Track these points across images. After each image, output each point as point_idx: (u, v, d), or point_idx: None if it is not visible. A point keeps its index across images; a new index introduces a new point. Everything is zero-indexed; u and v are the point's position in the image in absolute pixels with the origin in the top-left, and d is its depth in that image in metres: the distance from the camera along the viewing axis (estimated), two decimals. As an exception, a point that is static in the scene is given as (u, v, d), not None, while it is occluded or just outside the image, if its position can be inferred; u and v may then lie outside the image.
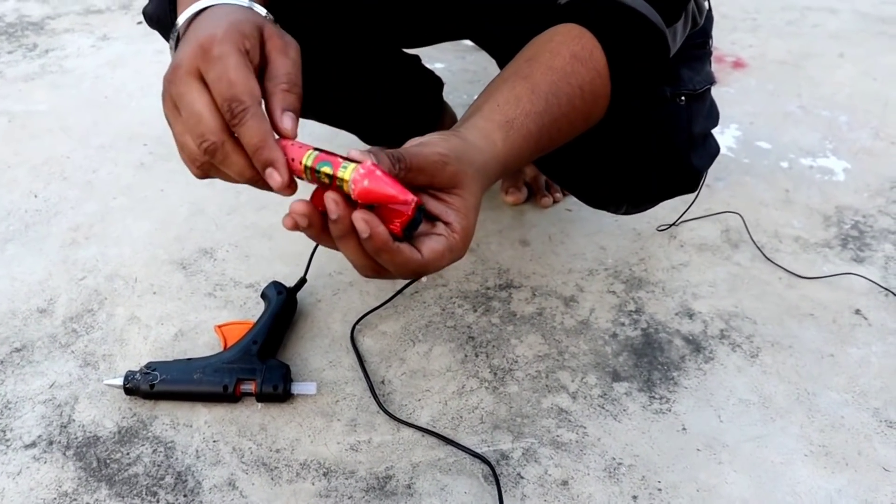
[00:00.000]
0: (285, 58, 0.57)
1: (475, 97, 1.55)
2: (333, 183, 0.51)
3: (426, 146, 0.55)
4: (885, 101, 1.58)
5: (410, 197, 0.50)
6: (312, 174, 0.52)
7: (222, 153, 0.54)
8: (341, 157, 0.51)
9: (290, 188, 0.53)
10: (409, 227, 0.52)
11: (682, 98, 0.86)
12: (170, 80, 0.55)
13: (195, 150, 0.55)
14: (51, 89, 1.54)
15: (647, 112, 0.76)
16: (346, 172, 0.50)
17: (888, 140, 1.45)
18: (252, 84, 0.53)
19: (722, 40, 1.81)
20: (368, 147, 0.52)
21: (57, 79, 1.58)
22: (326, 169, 0.51)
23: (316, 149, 0.53)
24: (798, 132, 1.47)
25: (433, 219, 0.56)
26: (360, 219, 0.49)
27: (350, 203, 0.51)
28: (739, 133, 1.46)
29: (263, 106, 0.55)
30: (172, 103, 0.56)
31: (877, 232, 1.21)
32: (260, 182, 0.55)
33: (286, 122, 0.55)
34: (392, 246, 0.51)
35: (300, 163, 0.52)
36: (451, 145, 0.55)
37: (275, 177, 0.53)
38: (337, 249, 0.53)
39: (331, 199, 0.50)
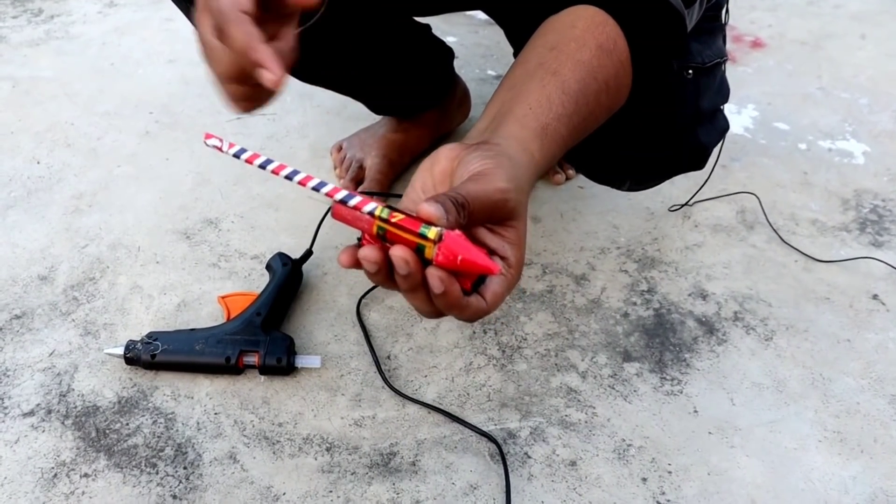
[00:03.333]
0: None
1: (488, 72, 1.53)
2: (400, 238, 0.48)
3: (484, 181, 0.51)
4: (907, 83, 1.55)
5: (497, 268, 0.47)
6: (390, 234, 0.49)
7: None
8: (406, 213, 0.48)
9: (282, 82, 0.54)
10: (478, 283, 0.50)
11: (690, 71, 0.83)
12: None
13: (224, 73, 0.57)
14: (56, 55, 1.51)
15: (652, 85, 0.73)
16: (431, 236, 0.46)
17: (909, 123, 1.42)
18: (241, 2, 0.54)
19: (740, 19, 1.77)
20: (431, 196, 0.48)
21: (62, 45, 1.55)
22: (408, 236, 0.47)
23: (381, 206, 0.49)
24: (817, 114, 1.43)
25: (490, 253, 0.53)
26: (435, 276, 0.47)
27: (419, 257, 0.48)
28: (757, 114, 1.43)
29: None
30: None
31: (896, 216, 1.18)
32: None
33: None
34: (462, 302, 0.49)
35: (373, 226, 0.49)
36: (508, 175, 0.52)
37: (266, 75, 0.53)
38: (398, 291, 0.52)
39: (400, 257, 0.46)
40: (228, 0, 0.53)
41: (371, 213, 0.48)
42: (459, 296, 0.48)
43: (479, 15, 1.71)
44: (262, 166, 0.50)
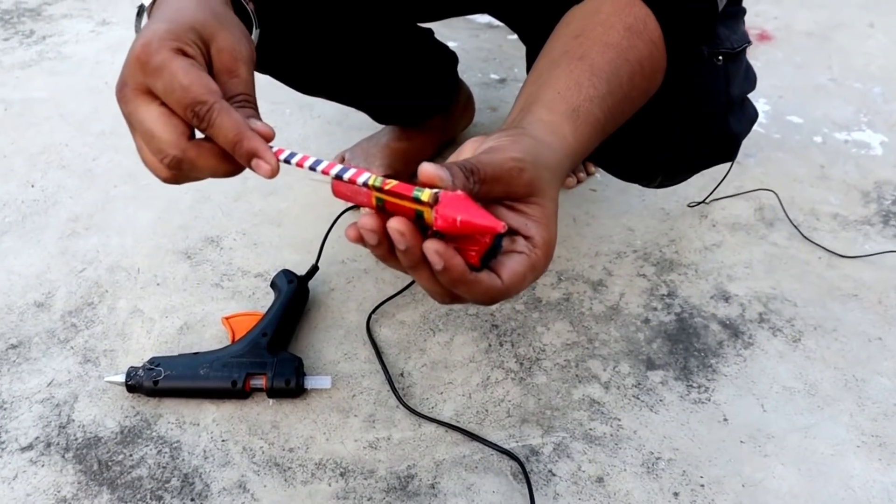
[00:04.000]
0: (234, 78, 0.54)
1: (490, 76, 1.50)
2: (399, 207, 0.45)
3: (497, 151, 0.48)
4: (920, 71, 1.51)
5: (501, 224, 0.43)
6: (389, 205, 0.46)
7: (188, 162, 0.52)
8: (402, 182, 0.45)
9: (278, 172, 0.51)
10: (488, 256, 0.46)
11: (720, 58, 0.80)
12: (119, 100, 0.53)
13: (157, 164, 0.54)
14: (49, 76, 1.48)
15: (684, 73, 0.70)
16: (425, 198, 0.43)
17: (925, 111, 1.38)
18: (207, 81, 0.51)
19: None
20: (439, 164, 0.45)
21: (55, 65, 1.52)
22: (403, 203, 0.44)
23: (375, 175, 0.46)
24: (830, 105, 1.40)
25: (512, 233, 0.49)
26: (432, 251, 0.43)
27: (418, 228, 0.44)
28: (769, 107, 1.39)
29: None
30: (127, 121, 0.54)
31: (920, 207, 1.14)
32: (234, 174, 0.54)
33: (256, 124, 0.52)
34: (469, 277, 0.45)
35: (372, 199, 0.46)
36: (524, 147, 0.49)
37: (262, 166, 0.50)
38: (408, 273, 0.48)
39: (395, 229, 0.43)
40: (202, 86, 0.50)
41: (365, 184, 0.46)
42: (463, 270, 0.45)
43: (480, 19, 1.68)
44: None
